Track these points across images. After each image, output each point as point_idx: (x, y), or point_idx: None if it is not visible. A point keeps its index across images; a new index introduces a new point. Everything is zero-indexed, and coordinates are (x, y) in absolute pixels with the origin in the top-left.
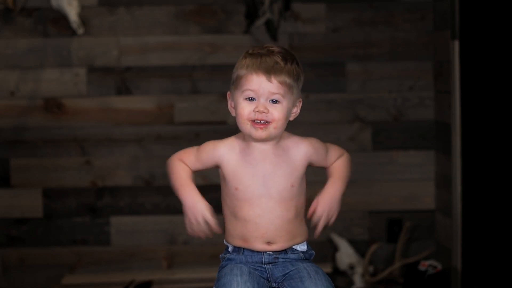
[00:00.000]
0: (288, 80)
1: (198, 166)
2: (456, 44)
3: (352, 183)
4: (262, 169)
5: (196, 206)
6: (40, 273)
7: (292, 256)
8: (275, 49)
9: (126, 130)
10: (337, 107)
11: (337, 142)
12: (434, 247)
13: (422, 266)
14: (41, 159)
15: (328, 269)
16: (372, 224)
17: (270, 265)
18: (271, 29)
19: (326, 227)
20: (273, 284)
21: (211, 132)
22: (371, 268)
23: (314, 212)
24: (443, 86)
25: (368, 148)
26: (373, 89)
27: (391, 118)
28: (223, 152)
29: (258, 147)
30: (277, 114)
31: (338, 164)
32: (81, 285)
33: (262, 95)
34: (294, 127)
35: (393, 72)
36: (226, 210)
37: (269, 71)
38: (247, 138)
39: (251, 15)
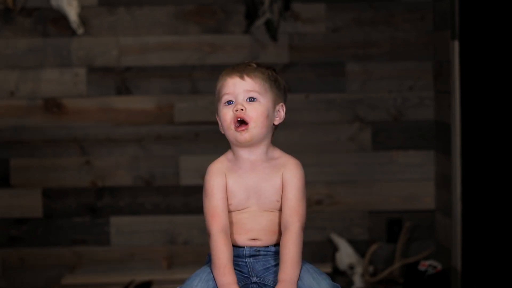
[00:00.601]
0: (261, 80)
1: (226, 202)
2: (456, 44)
3: (352, 183)
4: (251, 181)
5: None
6: (40, 273)
7: (273, 249)
8: (252, 62)
9: (126, 130)
10: (337, 107)
11: (337, 142)
12: (434, 247)
13: (422, 266)
14: (41, 159)
15: (328, 269)
16: (372, 224)
17: (251, 258)
18: (271, 29)
19: None
20: (254, 279)
21: (211, 132)
22: (371, 268)
23: None
24: (443, 86)
25: (368, 148)
26: (373, 89)
27: (391, 118)
28: (225, 173)
29: (247, 158)
30: (255, 112)
31: (288, 247)
32: (81, 285)
33: (238, 95)
34: (294, 127)
35: (393, 72)
36: None
37: (242, 72)
38: (236, 150)
39: (251, 15)
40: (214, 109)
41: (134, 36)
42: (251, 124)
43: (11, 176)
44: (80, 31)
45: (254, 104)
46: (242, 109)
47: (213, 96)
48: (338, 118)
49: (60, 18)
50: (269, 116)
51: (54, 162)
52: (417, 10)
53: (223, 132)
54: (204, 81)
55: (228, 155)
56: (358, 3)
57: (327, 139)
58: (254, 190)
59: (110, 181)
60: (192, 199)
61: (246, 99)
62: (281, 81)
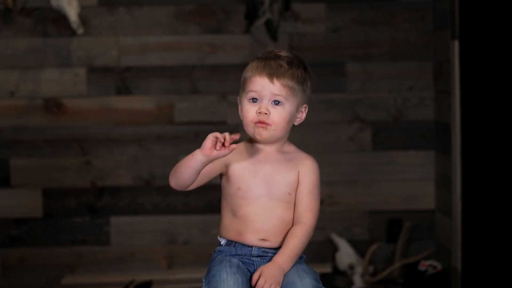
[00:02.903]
0: (290, 83)
1: (207, 168)
2: (456, 44)
3: (352, 183)
4: (263, 170)
5: (202, 144)
6: (40, 273)
7: None
8: (283, 54)
9: (126, 130)
10: (337, 107)
11: (337, 142)
12: (434, 247)
13: (422, 266)
14: (41, 159)
15: (328, 269)
16: (372, 224)
17: (259, 258)
18: (271, 29)
19: None
20: None
21: (211, 132)
22: (371, 268)
23: (257, 280)
24: (443, 86)
25: (368, 148)
26: (373, 89)
27: (391, 118)
28: (233, 153)
29: (263, 148)
30: (277, 116)
31: (295, 238)
32: (81, 285)
33: (264, 96)
34: (294, 127)
35: (393, 72)
36: (226, 208)
37: (272, 73)
38: (253, 140)
39: (251, 15)
40: (214, 109)
41: (134, 36)
42: (272, 127)
43: (11, 176)
44: (80, 31)
45: (279, 108)
46: (266, 113)
47: (213, 96)
48: (338, 118)
49: (60, 18)
50: (291, 120)
51: (54, 162)
52: (417, 10)
53: (242, 119)
54: (204, 81)
55: (246, 142)
56: (358, 3)
57: (327, 139)
58: (265, 179)
59: (110, 181)
60: (192, 199)
61: (271, 101)
62: (309, 81)
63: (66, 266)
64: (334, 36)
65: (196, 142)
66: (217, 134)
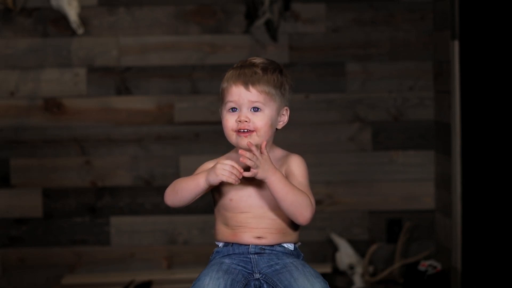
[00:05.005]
0: (267, 88)
1: None
2: (456, 44)
3: (352, 183)
4: (253, 180)
5: (212, 169)
6: (40, 273)
7: (279, 249)
8: (257, 61)
9: (126, 130)
10: (337, 107)
11: (337, 142)
12: (434, 247)
13: (422, 266)
14: (41, 159)
15: (328, 269)
16: (372, 224)
17: (256, 255)
18: (271, 29)
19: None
20: (257, 275)
21: (211, 132)
22: (371, 268)
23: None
24: (443, 86)
25: (368, 148)
26: (373, 89)
27: (391, 118)
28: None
29: None
30: (259, 122)
31: (298, 189)
32: (81, 285)
33: (242, 105)
34: (294, 127)
35: (393, 72)
36: (220, 218)
37: (247, 81)
38: (238, 150)
39: (251, 15)
40: (214, 109)
41: (134, 36)
42: (255, 133)
43: (11, 176)
44: (80, 31)
45: (258, 114)
46: (246, 121)
47: (213, 96)
48: (338, 118)
49: (60, 18)
50: (273, 124)
51: (54, 162)
52: (417, 10)
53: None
54: (204, 81)
55: (232, 154)
56: (358, 3)
57: (327, 139)
58: (256, 187)
59: (110, 181)
60: None
61: (250, 109)
62: (287, 83)
63: (66, 266)
64: (334, 36)
65: (196, 142)
66: (228, 163)
